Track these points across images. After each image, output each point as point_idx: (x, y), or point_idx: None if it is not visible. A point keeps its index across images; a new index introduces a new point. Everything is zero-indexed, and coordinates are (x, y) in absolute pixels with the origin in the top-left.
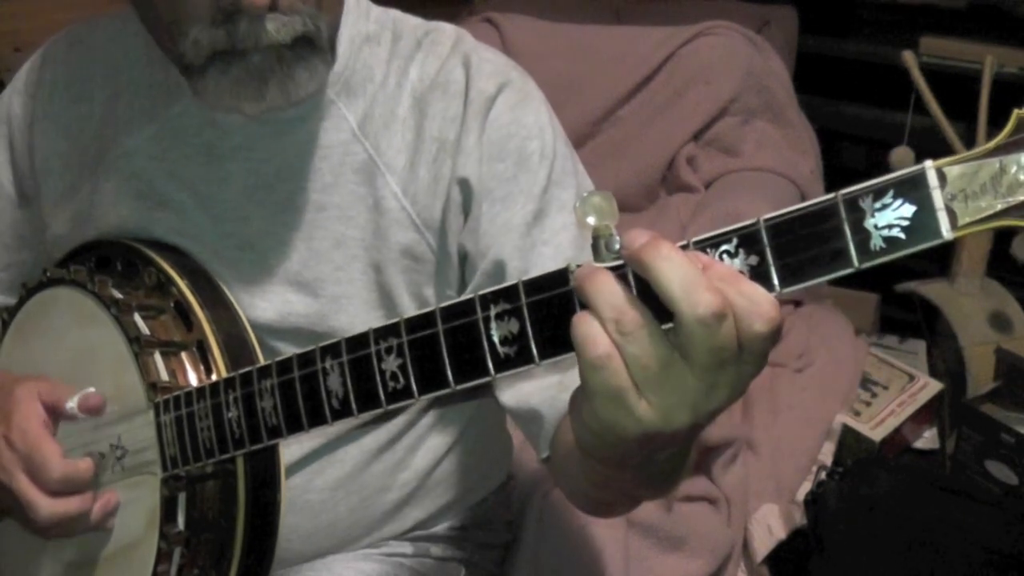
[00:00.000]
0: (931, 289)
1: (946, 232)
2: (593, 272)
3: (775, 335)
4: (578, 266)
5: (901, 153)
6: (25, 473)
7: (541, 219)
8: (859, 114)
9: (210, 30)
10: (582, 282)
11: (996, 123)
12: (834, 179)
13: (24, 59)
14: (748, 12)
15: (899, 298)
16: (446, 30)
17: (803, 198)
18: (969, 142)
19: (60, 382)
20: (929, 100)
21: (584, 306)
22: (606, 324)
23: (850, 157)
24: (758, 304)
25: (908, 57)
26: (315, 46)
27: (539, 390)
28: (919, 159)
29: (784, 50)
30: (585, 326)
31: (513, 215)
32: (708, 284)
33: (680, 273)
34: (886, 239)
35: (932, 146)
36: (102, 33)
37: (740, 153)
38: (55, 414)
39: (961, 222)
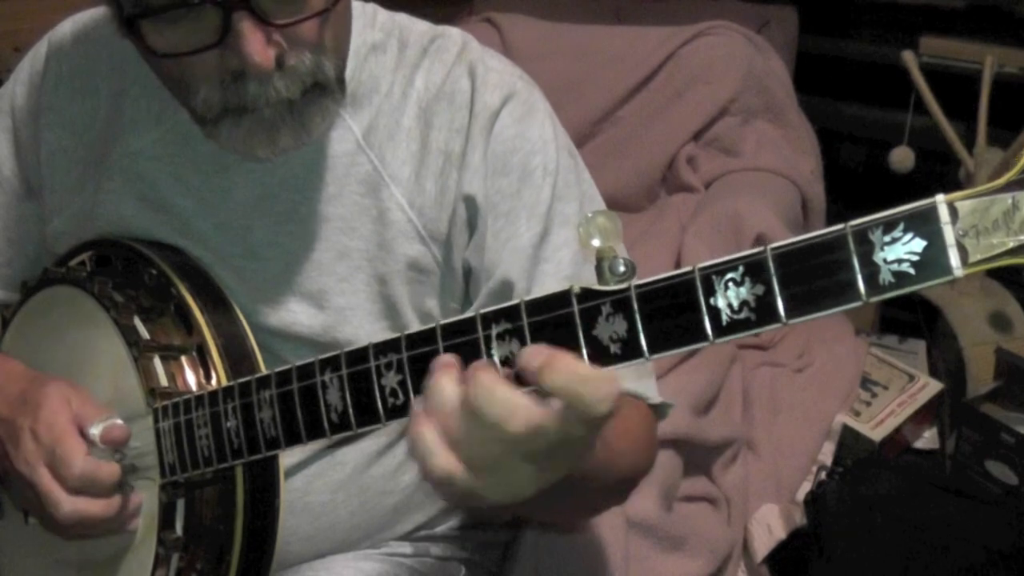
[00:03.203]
0: (931, 289)
1: (956, 270)
2: (437, 369)
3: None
4: (581, 288)
5: (901, 153)
6: (47, 467)
7: (546, 237)
8: (859, 114)
9: (220, 90)
10: (428, 382)
11: (996, 123)
12: (834, 179)
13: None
14: (748, 12)
15: (899, 298)
16: (452, 36)
17: (803, 198)
18: (969, 142)
19: (92, 398)
20: (929, 100)
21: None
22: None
23: (850, 157)
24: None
25: (908, 57)
26: (325, 89)
27: None
28: (919, 159)
29: (784, 50)
30: (422, 442)
31: (519, 234)
32: (525, 407)
33: (497, 401)
34: (895, 274)
35: (932, 146)
36: (107, 26)
37: (740, 153)
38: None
39: (972, 259)
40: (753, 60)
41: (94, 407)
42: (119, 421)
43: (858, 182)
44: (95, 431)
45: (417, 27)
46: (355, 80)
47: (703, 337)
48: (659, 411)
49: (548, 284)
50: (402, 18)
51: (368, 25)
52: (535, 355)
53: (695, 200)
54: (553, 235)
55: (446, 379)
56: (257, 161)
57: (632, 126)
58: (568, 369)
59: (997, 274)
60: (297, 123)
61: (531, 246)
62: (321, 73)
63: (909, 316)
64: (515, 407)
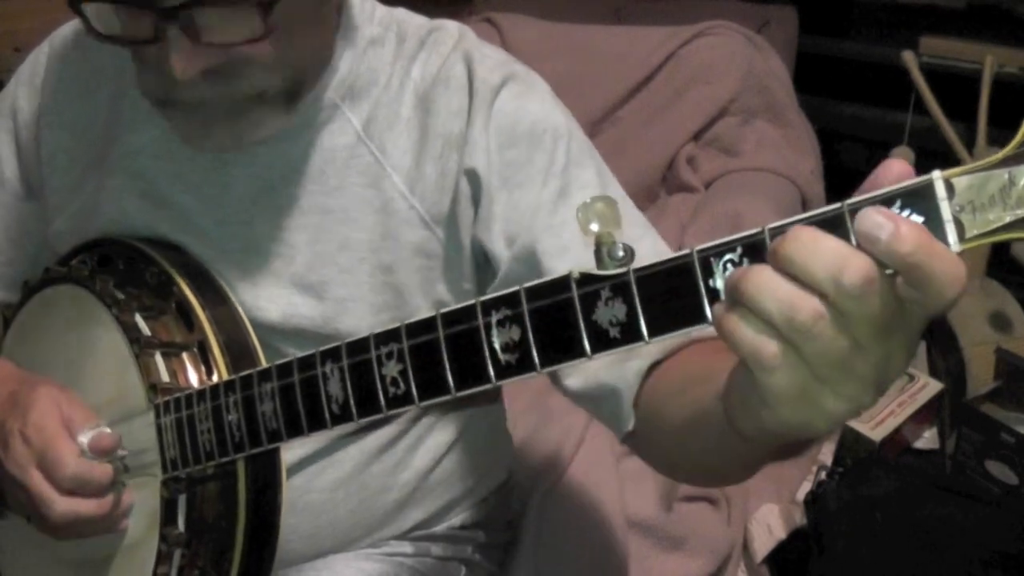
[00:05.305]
0: None
1: (953, 245)
2: (747, 272)
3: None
4: (580, 273)
5: (901, 153)
6: (39, 469)
7: (566, 196)
8: (859, 114)
9: (156, 77)
10: (737, 283)
11: (996, 123)
12: (834, 179)
13: (24, 59)
14: (748, 12)
15: None
16: (449, 28)
17: (803, 198)
18: (969, 142)
19: (81, 403)
20: (929, 100)
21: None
22: (777, 326)
23: (850, 157)
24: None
25: (908, 57)
26: (264, 101)
27: (605, 364)
28: (919, 159)
29: (784, 50)
30: (751, 340)
31: (537, 195)
32: (855, 254)
33: (821, 253)
34: None
35: (932, 146)
36: None
37: (740, 153)
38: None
39: (969, 234)
40: (753, 60)
41: (83, 411)
42: (107, 429)
43: (858, 182)
44: (83, 439)
45: (415, 21)
46: (354, 73)
47: (703, 319)
48: None
49: (578, 245)
50: (400, 13)
51: (366, 20)
52: (877, 224)
53: (695, 200)
54: (573, 196)
55: (753, 265)
56: (205, 151)
57: (632, 126)
58: (920, 240)
59: (997, 274)
60: (232, 125)
61: (551, 202)
62: (259, 88)
63: None
64: (847, 255)
